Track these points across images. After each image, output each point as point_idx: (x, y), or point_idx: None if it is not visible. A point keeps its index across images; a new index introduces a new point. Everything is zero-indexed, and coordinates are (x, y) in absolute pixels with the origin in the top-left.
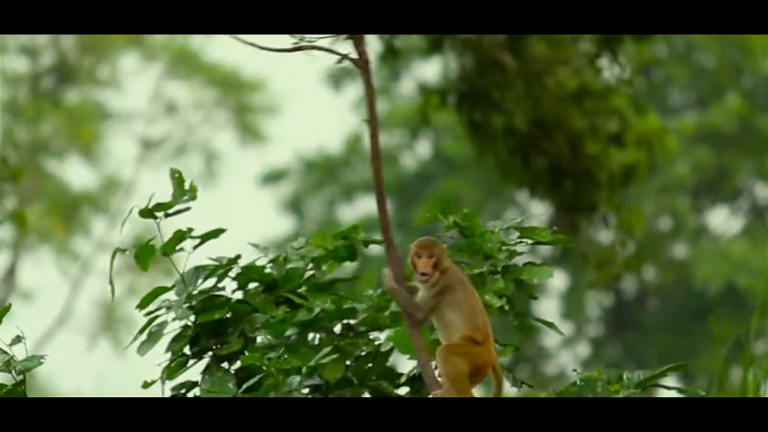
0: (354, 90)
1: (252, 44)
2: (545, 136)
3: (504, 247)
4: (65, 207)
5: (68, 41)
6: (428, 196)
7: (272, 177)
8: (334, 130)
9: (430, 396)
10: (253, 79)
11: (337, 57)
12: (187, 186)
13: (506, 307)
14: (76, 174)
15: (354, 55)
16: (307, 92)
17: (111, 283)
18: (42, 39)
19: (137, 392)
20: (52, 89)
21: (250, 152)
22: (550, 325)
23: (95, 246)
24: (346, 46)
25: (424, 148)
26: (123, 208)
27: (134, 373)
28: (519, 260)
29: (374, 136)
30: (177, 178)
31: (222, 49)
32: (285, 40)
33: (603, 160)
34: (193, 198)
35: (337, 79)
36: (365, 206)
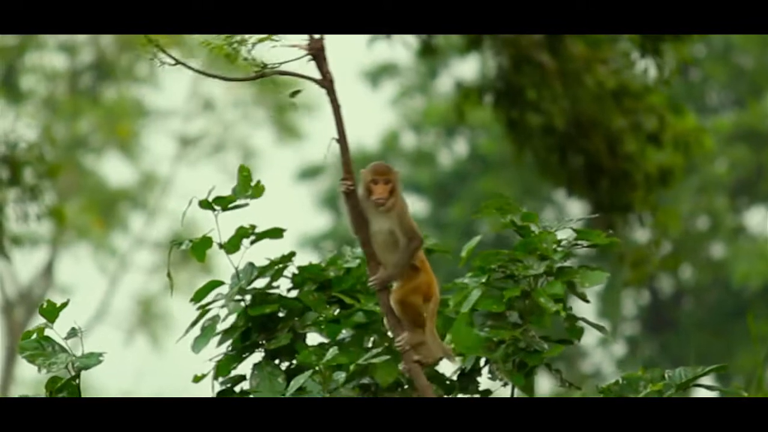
0: (391, 87)
1: (216, 76)
2: (582, 135)
3: (559, 248)
4: (103, 203)
5: (107, 38)
6: (464, 195)
7: (309, 173)
8: (371, 127)
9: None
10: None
11: (297, 85)
12: (253, 184)
13: (562, 313)
14: (113, 170)
15: (318, 76)
16: (344, 89)
17: (170, 276)
18: (81, 36)
19: (176, 388)
20: (91, 86)
21: (287, 149)
22: (601, 329)
23: (133, 242)
24: (310, 67)
25: (460, 147)
26: (160, 205)
27: (172, 368)
28: (570, 262)
29: (345, 154)
30: (245, 176)
31: (260, 46)
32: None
33: (640, 160)
34: (258, 196)
35: (374, 77)
36: None
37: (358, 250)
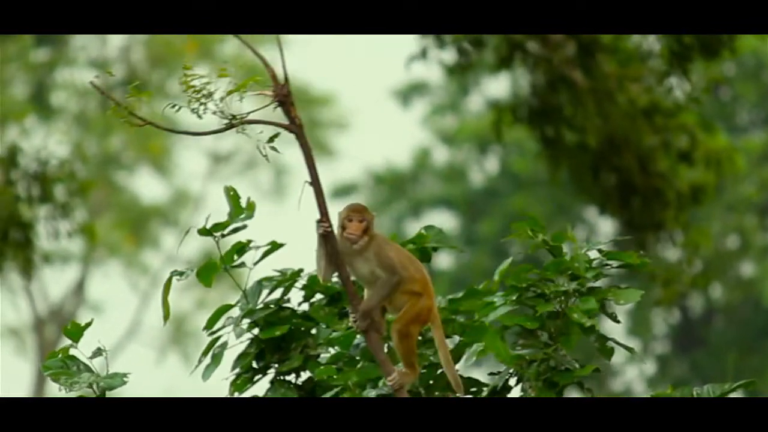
0: (422, 105)
1: (185, 132)
2: (615, 153)
3: (591, 267)
4: (134, 220)
5: (138, 54)
6: (496, 212)
7: (341, 191)
8: (402, 145)
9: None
10: (323, 94)
11: (271, 132)
12: (243, 203)
13: (597, 327)
14: (145, 187)
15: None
16: (376, 107)
17: (165, 304)
18: (112, 52)
19: None
20: (122, 102)
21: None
22: (630, 350)
23: (164, 259)
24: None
25: (491, 164)
26: (192, 222)
27: (203, 386)
28: (601, 282)
29: (320, 197)
30: (232, 196)
31: (293, 63)
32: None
33: (672, 178)
34: (251, 215)
35: (405, 95)
36: (433, 221)
37: None
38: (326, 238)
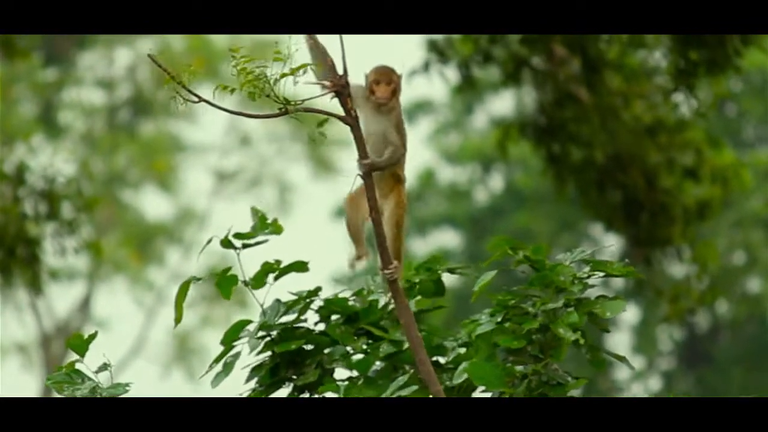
0: (427, 123)
1: (239, 113)
2: (621, 170)
3: (576, 280)
4: (140, 237)
5: (144, 73)
6: (501, 230)
7: (343, 210)
8: (408, 164)
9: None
10: (328, 110)
11: (324, 117)
12: (269, 221)
13: (581, 341)
14: (151, 205)
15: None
16: None
17: (179, 308)
18: (119, 72)
19: None
20: (128, 121)
21: (323, 184)
22: (622, 359)
23: (170, 276)
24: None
25: (496, 182)
26: (197, 239)
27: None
28: (591, 293)
29: (371, 191)
30: (260, 217)
31: (283, 81)
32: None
33: (678, 194)
34: (278, 233)
35: (410, 113)
36: (438, 240)
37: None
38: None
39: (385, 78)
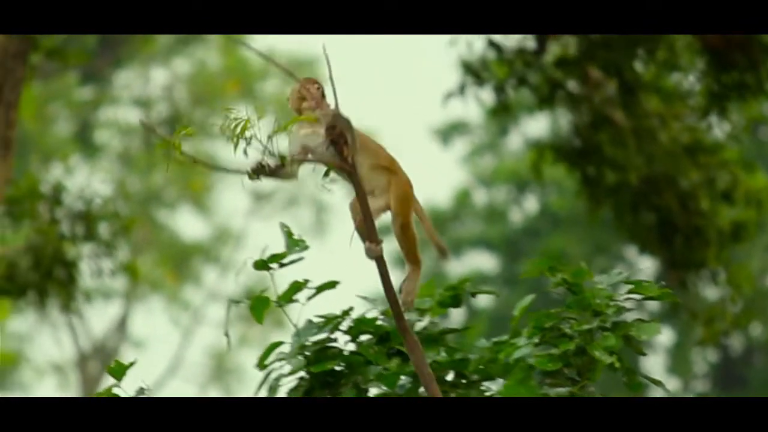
0: (462, 145)
1: (236, 171)
2: (655, 192)
3: (612, 303)
4: (176, 257)
5: (180, 93)
6: (535, 252)
7: (380, 230)
8: (442, 185)
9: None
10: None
11: (324, 171)
12: (297, 237)
13: (617, 364)
14: (187, 225)
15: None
16: (416, 146)
17: (227, 335)
18: (155, 91)
19: None
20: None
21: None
22: (658, 382)
23: (206, 296)
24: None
25: (531, 204)
26: (234, 259)
27: None
28: (626, 316)
29: (372, 230)
30: (287, 232)
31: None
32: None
33: (712, 217)
34: (305, 249)
35: (445, 134)
36: (473, 261)
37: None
38: (380, 261)
39: (314, 84)
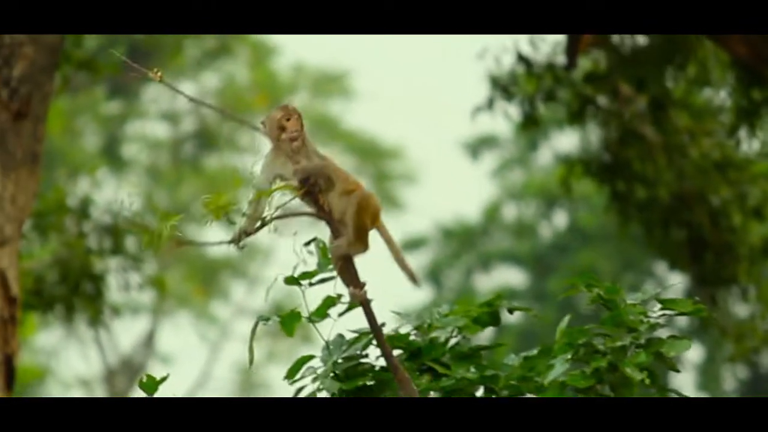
0: (492, 159)
1: (214, 243)
2: (686, 208)
3: (645, 319)
4: (204, 272)
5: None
6: (564, 268)
7: (410, 245)
8: (471, 199)
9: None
10: (392, 147)
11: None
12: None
13: (647, 381)
14: (215, 239)
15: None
16: (445, 160)
17: (251, 350)
18: (183, 105)
19: None
20: (193, 155)
21: (387, 220)
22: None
23: (234, 311)
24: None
25: (560, 219)
26: (262, 274)
27: None
28: (659, 332)
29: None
30: (321, 249)
31: (362, 116)
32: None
33: (743, 233)
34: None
35: (474, 148)
36: (502, 276)
37: (446, 319)
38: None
39: (295, 113)
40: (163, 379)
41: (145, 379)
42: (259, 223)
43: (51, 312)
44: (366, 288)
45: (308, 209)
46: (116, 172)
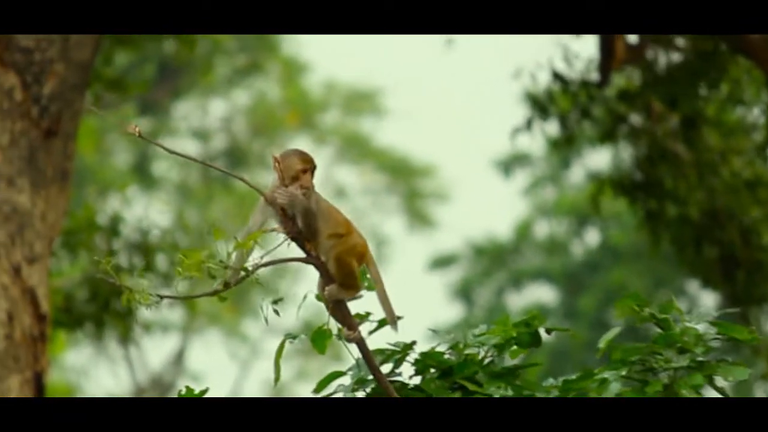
0: (523, 177)
1: (199, 295)
2: (718, 226)
3: (701, 342)
4: (234, 289)
5: (239, 124)
6: (596, 286)
7: (441, 262)
8: (503, 217)
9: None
10: (423, 165)
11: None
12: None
13: None
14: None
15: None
16: (477, 178)
17: (277, 368)
18: (214, 122)
19: None
20: (223, 173)
21: (419, 237)
22: None
23: (264, 329)
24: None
25: (592, 237)
26: (292, 292)
27: None
28: (711, 355)
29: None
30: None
31: (393, 133)
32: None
33: None
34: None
35: (506, 166)
36: (533, 294)
37: (482, 338)
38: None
39: (312, 166)
40: (203, 392)
41: (184, 392)
42: (242, 273)
43: (80, 329)
44: (359, 328)
45: (296, 255)
46: (146, 189)
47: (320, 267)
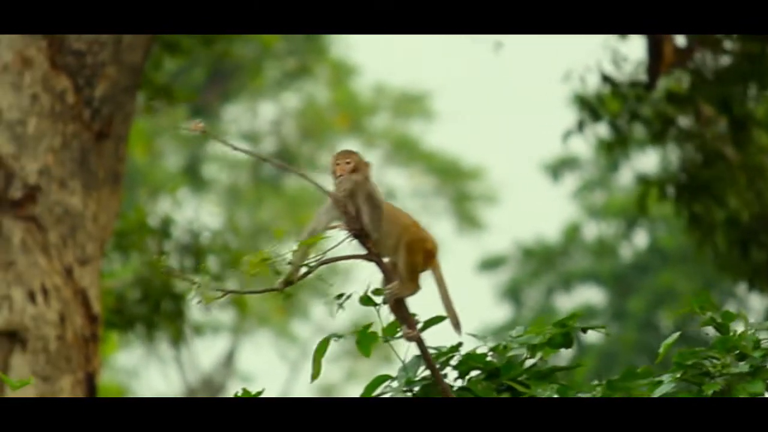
0: (573, 180)
1: (260, 291)
2: (765, 230)
3: (761, 348)
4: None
5: (289, 127)
6: (644, 288)
7: (490, 264)
8: (552, 219)
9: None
10: (472, 168)
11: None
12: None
13: None
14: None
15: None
16: (526, 181)
17: (316, 364)
18: (264, 125)
19: None
20: (273, 175)
21: (468, 239)
22: None
23: (314, 329)
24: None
25: (640, 239)
26: (342, 293)
27: None
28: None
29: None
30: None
31: (443, 136)
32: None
33: None
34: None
35: (555, 169)
36: (582, 296)
37: (520, 339)
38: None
39: (344, 159)
40: (259, 393)
41: (240, 393)
42: (304, 270)
43: (132, 331)
44: (419, 326)
45: (359, 252)
46: (197, 192)
47: (381, 264)
